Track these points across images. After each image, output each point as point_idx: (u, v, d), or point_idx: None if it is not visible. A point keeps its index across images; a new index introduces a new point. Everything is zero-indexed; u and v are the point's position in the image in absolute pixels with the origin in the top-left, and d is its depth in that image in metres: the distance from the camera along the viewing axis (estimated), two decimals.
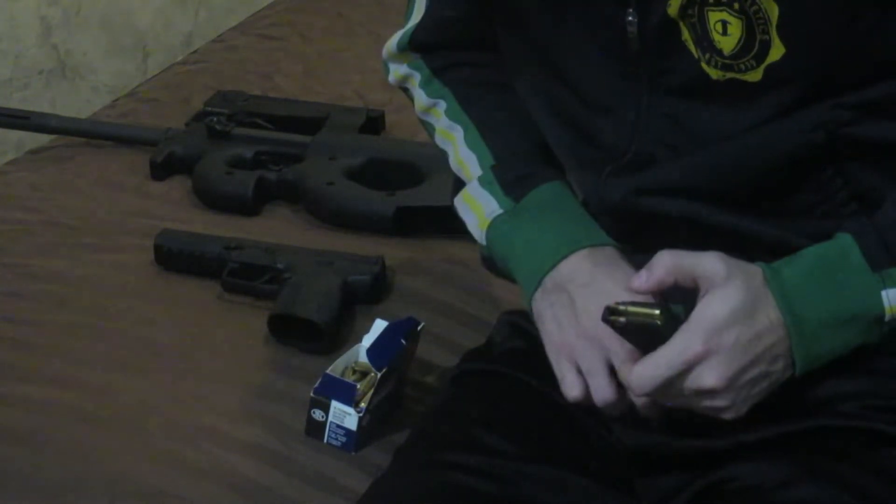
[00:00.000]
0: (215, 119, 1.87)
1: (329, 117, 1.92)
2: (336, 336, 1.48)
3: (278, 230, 1.70)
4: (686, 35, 1.00)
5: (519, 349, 1.18)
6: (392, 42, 1.25)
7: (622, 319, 0.98)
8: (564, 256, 1.07)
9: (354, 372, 1.34)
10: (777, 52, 0.96)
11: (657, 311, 0.97)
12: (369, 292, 1.55)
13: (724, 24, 0.97)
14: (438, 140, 1.24)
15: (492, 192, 1.15)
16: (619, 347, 1.01)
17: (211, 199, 1.78)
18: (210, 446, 1.33)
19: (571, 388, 1.05)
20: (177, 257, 1.62)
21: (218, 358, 1.47)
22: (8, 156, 2.19)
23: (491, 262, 1.18)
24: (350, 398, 1.30)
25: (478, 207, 1.15)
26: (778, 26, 0.95)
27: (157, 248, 1.63)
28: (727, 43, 0.98)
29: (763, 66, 0.97)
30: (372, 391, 1.31)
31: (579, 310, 1.05)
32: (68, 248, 1.69)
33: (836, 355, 0.99)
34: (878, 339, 0.99)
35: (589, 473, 1.06)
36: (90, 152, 1.94)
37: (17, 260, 1.67)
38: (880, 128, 1.00)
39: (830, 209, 1.02)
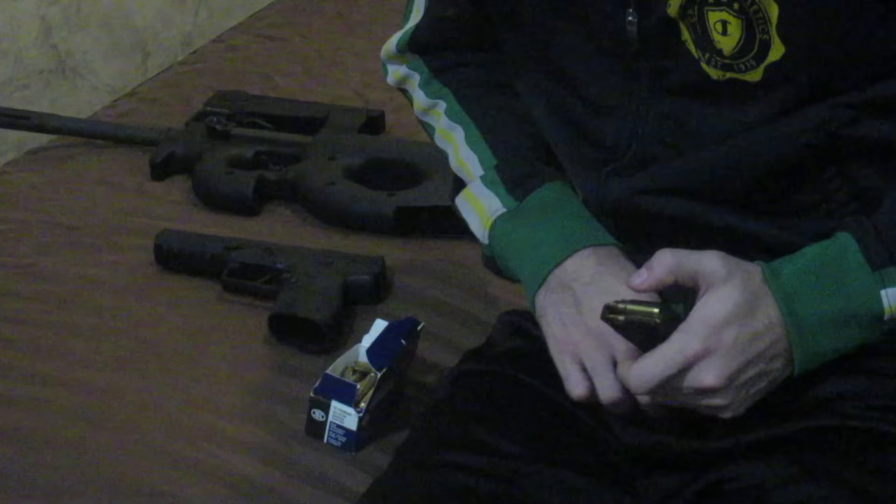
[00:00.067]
0: (215, 119, 1.87)
1: (329, 117, 1.92)
2: (336, 336, 1.48)
3: (278, 230, 1.70)
4: (686, 35, 1.00)
5: (519, 349, 1.18)
6: (391, 43, 1.25)
7: (621, 318, 0.98)
8: (568, 255, 1.07)
9: (354, 372, 1.34)
10: (777, 51, 0.96)
11: (656, 310, 0.97)
12: (369, 292, 1.55)
13: (724, 23, 0.97)
14: (438, 140, 1.24)
15: (495, 192, 1.15)
16: (623, 346, 1.01)
17: (211, 199, 1.78)
18: (210, 446, 1.33)
19: (576, 387, 1.05)
20: (177, 257, 1.62)
21: (218, 358, 1.47)
22: (8, 156, 2.19)
23: (492, 263, 1.18)
24: (350, 398, 1.30)
25: (480, 206, 1.15)
26: (778, 26, 0.95)
27: (157, 248, 1.63)
28: (727, 43, 0.98)
29: (763, 66, 0.97)
30: (372, 391, 1.31)
31: (584, 308, 1.05)
32: (68, 248, 1.69)
33: (835, 354, 0.99)
34: (877, 338, 0.99)
35: (589, 473, 1.06)
36: (90, 152, 1.94)
37: (17, 260, 1.67)
38: (880, 128, 1.00)
39: (830, 209, 1.02)
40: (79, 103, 2.41)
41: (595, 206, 1.12)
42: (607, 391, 1.03)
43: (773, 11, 0.95)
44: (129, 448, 1.33)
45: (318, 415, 1.32)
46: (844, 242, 0.98)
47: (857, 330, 0.98)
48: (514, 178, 1.14)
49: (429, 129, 1.26)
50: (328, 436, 1.32)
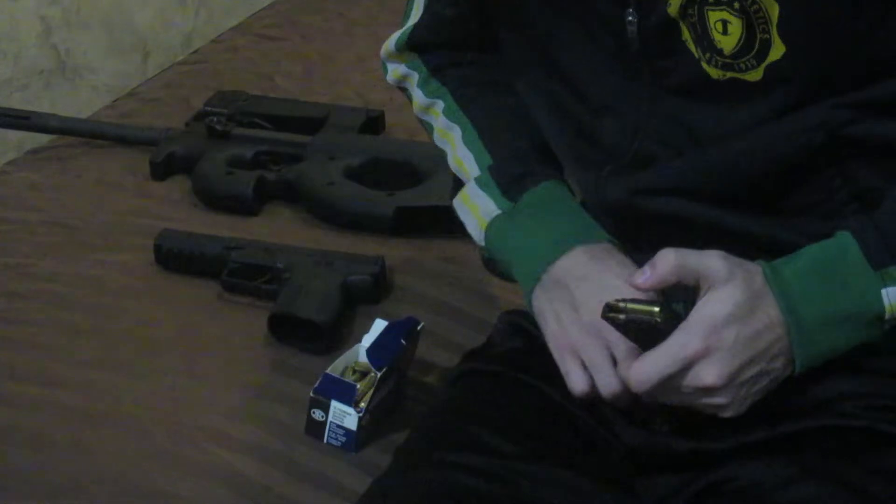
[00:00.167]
0: (215, 119, 1.87)
1: (329, 117, 1.92)
2: (336, 336, 1.48)
3: (278, 230, 1.70)
4: (686, 35, 1.00)
5: (519, 349, 1.18)
6: (390, 42, 1.25)
7: (622, 316, 0.98)
8: (562, 253, 1.07)
9: (354, 372, 1.34)
10: (777, 51, 0.96)
11: (657, 309, 0.97)
12: (369, 292, 1.55)
13: (725, 23, 0.97)
14: (437, 139, 1.24)
15: (489, 194, 1.15)
16: (620, 340, 1.01)
17: (211, 199, 1.78)
18: (210, 446, 1.33)
19: (577, 384, 1.05)
20: (177, 257, 1.62)
21: (218, 358, 1.47)
22: (8, 156, 2.19)
23: (492, 264, 1.18)
24: (350, 398, 1.30)
25: (476, 209, 1.15)
26: (778, 25, 0.95)
27: (157, 248, 1.63)
28: (727, 42, 0.98)
29: (763, 66, 0.97)
30: (372, 391, 1.32)
31: (579, 304, 1.05)
32: (68, 248, 1.69)
33: (836, 354, 0.99)
34: (878, 337, 0.99)
35: (589, 473, 1.06)
36: (90, 152, 1.94)
37: (17, 260, 1.67)
38: (881, 127, 1.00)
39: (830, 209, 1.02)
40: (79, 103, 2.41)
41: (595, 206, 1.12)
42: (607, 386, 1.03)
43: (774, 11, 0.95)
44: (129, 448, 1.33)
45: (318, 415, 1.32)
46: (845, 242, 0.98)
47: (858, 329, 0.98)
48: (507, 178, 1.14)
49: (428, 128, 1.26)
50: (328, 436, 1.32)
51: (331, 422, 1.31)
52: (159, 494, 1.27)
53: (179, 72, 2.24)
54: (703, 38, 0.99)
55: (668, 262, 0.98)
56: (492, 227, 1.13)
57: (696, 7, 0.98)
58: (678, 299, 1.01)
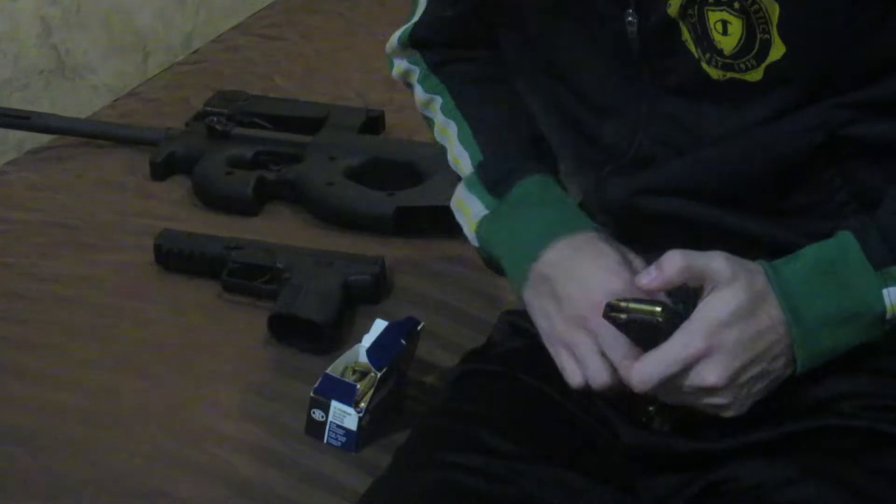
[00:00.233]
0: (215, 119, 1.87)
1: (329, 117, 1.92)
2: (336, 336, 1.48)
3: (278, 230, 1.70)
4: (686, 35, 1.00)
5: (519, 349, 1.18)
6: (394, 37, 1.26)
7: (623, 316, 0.98)
8: (544, 248, 1.07)
9: (354, 372, 1.34)
10: (777, 51, 0.96)
11: (658, 308, 0.97)
12: (369, 292, 1.55)
13: (725, 23, 0.97)
14: (437, 135, 1.24)
15: (477, 194, 1.16)
16: (604, 330, 1.01)
17: (211, 199, 1.78)
18: (210, 446, 1.33)
19: (572, 377, 1.04)
20: (177, 257, 1.62)
21: (218, 358, 1.47)
22: (8, 156, 2.19)
23: (492, 263, 1.18)
24: (350, 398, 1.30)
25: (467, 211, 1.16)
26: (778, 25, 0.95)
27: (157, 248, 1.63)
28: (727, 42, 0.98)
29: (763, 66, 0.97)
30: (372, 391, 1.32)
31: (561, 297, 1.04)
32: (68, 248, 1.69)
33: (837, 354, 0.99)
34: (879, 337, 0.99)
35: (589, 473, 1.06)
36: (90, 152, 1.94)
37: (17, 260, 1.67)
38: (881, 127, 1.00)
39: (830, 209, 1.02)
40: (79, 103, 2.41)
41: (595, 206, 1.12)
42: (596, 377, 1.02)
43: (774, 11, 0.95)
44: (129, 448, 1.33)
45: (318, 415, 1.32)
46: (846, 241, 0.98)
47: (859, 329, 0.98)
48: (493, 176, 1.15)
49: (429, 123, 1.26)
50: (328, 436, 1.32)
51: (331, 422, 1.31)
52: (159, 494, 1.27)
53: (179, 72, 2.24)
54: (703, 39, 0.99)
55: (675, 264, 0.97)
56: (481, 228, 1.14)
57: (696, 7, 0.98)
58: (678, 299, 1.01)
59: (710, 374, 0.95)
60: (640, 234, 1.09)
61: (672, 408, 1.05)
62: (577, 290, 1.02)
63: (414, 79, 1.26)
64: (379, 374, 1.32)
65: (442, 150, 1.24)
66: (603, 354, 1.02)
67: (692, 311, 0.97)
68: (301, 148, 1.82)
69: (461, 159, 1.19)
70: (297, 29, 2.37)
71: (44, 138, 2.02)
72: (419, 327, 1.38)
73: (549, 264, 1.06)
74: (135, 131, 1.95)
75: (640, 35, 1.02)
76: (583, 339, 1.03)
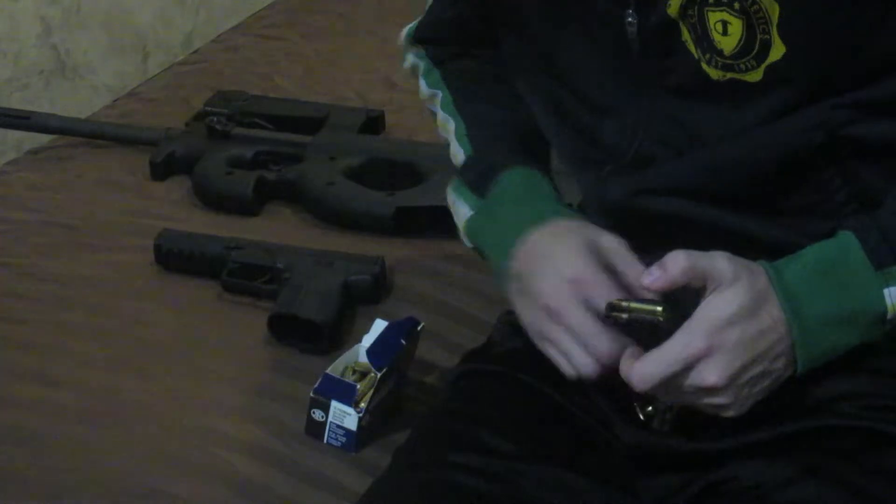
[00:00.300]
0: (215, 119, 1.87)
1: (329, 117, 1.92)
2: (336, 336, 1.48)
3: (278, 230, 1.70)
4: (686, 35, 1.00)
5: (519, 349, 1.18)
6: (404, 32, 1.28)
7: (624, 316, 0.98)
8: (517, 245, 1.07)
9: (354, 372, 1.34)
10: (777, 51, 0.96)
11: (659, 308, 0.97)
12: (369, 292, 1.55)
13: (725, 24, 0.97)
14: (440, 130, 1.25)
15: (463, 196, 1.17)
16: (576, 321, 1.01)
17: (211, 199, 1.78)
18: (210, 446, 1.33)
19: (566, 370, 1.04)
20: (177, 257, 1.62)
21: (218, 358, 1.47)
22: (8, 156, 2.19)
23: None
24: (350, 398, 1.30)
25: (457, 213, 1.18)
26: (779, 26, 0.95)
27: (157, 248, 1.63)
28: (727, 43, 0.98)
29: (763, 66, 0.97)
30: (372, 391, 1.32)
31: (531, 294, 1.04)
32: (68, 248, 1.69)
33: (837, 353, 0.99)
34: (880, 336, 0.99)
35: (589, 473, 1.06)
36: (90, 152, 1.94)
37: (17, 260, 1.67)
38: (880, 127, 1.00)
39: (830, 209, 1.02)
40: (79, 103, 2.41)
41: (595, 206, 1.12)
42: (584, 368, 1.02)
43: (775, 11, 0.95)
44: (129, 448, 1.33)
45: (318, 415, 1.32)
46: (847, 241, 0.98)
47: (859, 329, 0.98)
48: (476, 176, 1.16)
49: (433, 118, 1.27)
50: (328, 436, 1.32)
51: (331, 422, 1.31)
52: (159, 494, 1.27)
53: (179, 72, 2.24)
54: (703, 39, 0.99)
55: (678, 265, 0.97)
56: (468, 230, 1.15)
57: (696, 7, 0.98)
58: (678, 299, 1.01)
59: (710, 373, 0.95)
60: (639, 234, 1.09)
61: (671, 408, 1.05)
62: (543, 284, 1.02)
63: (419, 73, 1.28)
64: (379, 374, 1.32)
65: (444, 147, 1.24)
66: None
67: (693, 311, 0.97)
68: (301, 148, 1.82)
69: (458, 155, 1.21)
70: (297, 29, 2.37)
71: (44, 138, 2.02)
72: (419, 327, 1.38)
73: (520, 261, 1.07)
74: (135, 131, 1.95)
75: (639, 35, 1.02)
76: (558, 332, 1.03)
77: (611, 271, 1.02)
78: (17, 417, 1.38)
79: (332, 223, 1.71)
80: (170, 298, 1.58)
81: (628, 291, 1.01)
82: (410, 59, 1.29)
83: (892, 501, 1.00)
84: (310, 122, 1.90)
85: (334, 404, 1.31)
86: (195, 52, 2.36)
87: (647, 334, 0.98)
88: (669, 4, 0.99)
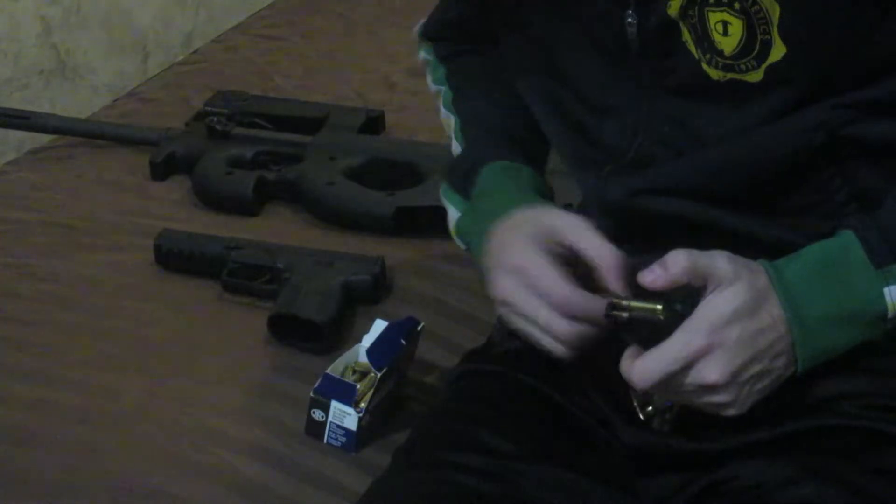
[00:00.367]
0: (215, 119, 1.87)
1: (329, 117, 1.92)
2: (336, 336, 1.48)
3: (278, 230, 1.70)
4: (686, 35, 1.00)
5: (519, 349, 1.18)
6: (415, 28, 1.30)
7: (625, 314, 0.98)
8: (486, 240, 1.08)
9: (354, 372, 1.34)
10: (778, 52, 0.96)
11: (659, 307, 0.97)
12: (369, 292, 1.55)
13: (725, 24, 0.97)
14: (444, 127, 1.27)
15: (450, 199, 1.19)
16: (527, 309, 1.02)
17: (211, 199, 1.78)
18: (210, 446, 1.33)
19: (557, 351, 1.04)
20: (177, 257, 1.62)
21: (218, 358, 1.47)
22: (8, 156, 2.19)
23: None
24: (350, 398, 1.30)
25: (449, 216, 1.20)
26: (779, 26, 0.95)
27: (157, 248, 1.63)
28: (728, 43, 0.98)
29: (764, 67, 0.97)
30: (372, 391, 1.32)
31: (490, 286, 1.05)
32: (68, 248, 1.69)
33: (838, 352, 0.99)
34: (880, 335, 0.99)
35: (589, 473, 1.06)
36: (90, 152, 1.94)
37: (17, 260, 1.67)
38: (881, 127, 1.00)
39: (830, 209, 1.02)
40: (79, 103, 2.41)
41: (595, 206, 1.12)
42: (566, 336, 1.02)
43: (775, 11, 0.95)
44: (129, 448, 1.33)
45: (318, 415, 1.32)
46: (847, 240, 0.98)
47: (860, 327, 0.98)
48: (461, 175, 1.17)
49: (438, 114, 1.28)
50: (328, 436, 1.32)
51: (331, 422, 1.31)
52: (159, 494, 1.27)
53: (179, 72, 2.24)
54: (704, 39, 0.99)
55: (679, 263, 0.97)
56: (458, 232, 1.17)
57: (696, 8, 0.98)
58: (677, 297, 1.01)
59: (710, 371, 0.95)
60: (640, 235, 1.09)
61: (672, 408, 1.05)
62: (497, 277, 1.04)
63: (428, 68, 1.29)
64: (379, 374, 1.32)
65: (445, 147, 1.26)
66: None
67: (693, 311, 0.97)
68: (301, 148, 1.82)
69: (456, 153, 1.22)
70: (297, 29, 2.37)
71: (44, 138, 2.02)
72: (419, 327, 1.38)
73: (486, 255, 1.07)
74: (135, 131, 1.95)
75: (639, 35, 1.02)
76: (523, 324, 1.03)
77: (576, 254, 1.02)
78: (17, 417, 1.38)
79: (332, 223, 1.71)
80: (170, 298, 1.58)
81: (588, 271, 1.01)
82: (422, 54, 1.30)
83: (893, 501, 1.00)
84: (310, 122, 1.90)
85: (334, 404, 1.31)
86: (195, 52, 2.37)
87: (647, 333, 0.98)
88: (670, 5, 0.99)
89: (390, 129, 1.96)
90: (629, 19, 1.01)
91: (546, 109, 1.14)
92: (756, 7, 0.95)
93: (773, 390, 0.99)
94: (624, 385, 1.06)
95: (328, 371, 1.33)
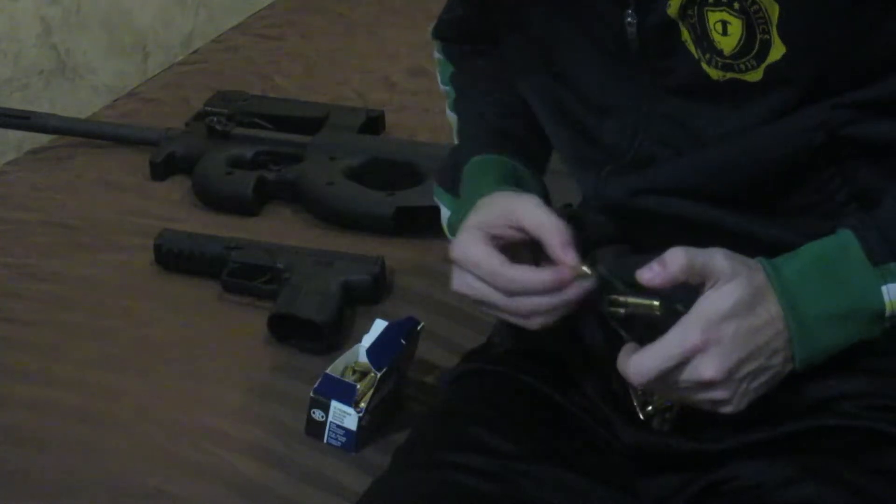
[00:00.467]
0: (215, 119, 1.87)
1: (329, 117, 1.92)
2: (336, 336, 1.48)
3: (278, 230, 1.70)
4: (686, 35, 1.00)
5: (519, 349, 1.18)
6: (430, 26, 1.30)
7: (622, 311, 0.98)
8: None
9: (354, 372, 1.34)
10: (777, 51, 0.96)
11: (657, 303, 0.97)
12: (369, 292, 1.55)
13: (724, 24, 0.97)
14: (451, 126, 1.27)
15: (441, 199, 1.20)
16: (478, 295, 1.04)
17: (211, 199, 1.78)
18: (210, 446, 1.33)
19: (531, 324, 1.04)
20: (177, 257, 1.62)
21: (218, 358, 1.47)
22: (8, 156, 2.19)
23: None
24: (350, 398, 1.30)
25: (442, 215, 1.20)
26: (778, 26, 0.95)
27: (157, 248, 1.63)
28: (727, 43, 0.98)
29: (763, 66, 0.97)
30: (372, 391, 1.32)
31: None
32: (68, 248, 1.69)
33: (836, 351, 0.99)
34: (878, 334, 0.98)
35: (589, 473, 1.06)
36: (90, 152, 1.94)
37: (17, 260, 1.67)
38: (881, 127, 1.00)
39: (830, 209, 1.02)
40: (79, 103, 2.41)
41: (595, 206, 1.12)
42: (519, 323, 1.04)
43: (774, 11, 0.95)
44: (129, 448, 1.33)
45: (318, 415, 1.32)
46: (845, 238, 0.98)
47: (858, 326, 0.98)
48: (448, 174, 1.18)
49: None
50: (328, 436, 1.32)
51: (331, 422, 1.31)
52: (159, 494, 1.27)
53: (179, 72, 2.24)
54: (703, 39, 0.99)
55: (678, 261, 0.97)
56: (450, 231, 1.17)
57: (695, 8, 0.98)
58: (676, 295, 1.01)
59: (706, 368, 0.95)
60: (639, 234, 1.09)
61: (671, 408, 1.05)
62: (452, 274, 1.06)
63: (438, 68, 1.30)
64: (379, 374, 1.32)
65: (447, 147, 1.26)
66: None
67: (690, 307, 0.97)
68: (301, 148, 1.82)
69: None
70: (297, 29, 2.37)
71: (44, 138, 2.02)
72: (419, 327, 1.38)
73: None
74: (135, 131, 1.95)
75: (639, 35, 1.02)
76: (486, 309, 1.05)
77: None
78: (17, 417, 1.38)
79: (332, 223, 1.72)
80: (170, 298, 1.58)
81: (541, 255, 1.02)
82: (435, 54, 1.31)
83: (893, 501, 1.00)
84: (310, 122, 1.91)
85: (334, 404, 1.31)
86: (195, 52, 2.37)
87: (645, 329, 0.98)
88: (669, 4, 0.99)
89: (390, 129, 1.96)
90: (629, 19, 1.01)
91: (546, 109, 1.14)
92: (755, 7, 0.95)
93: (770, 388, 0.99)
94: (624, 385, 1.06)
95: (328, 371, 1.33)
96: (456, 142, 1.24)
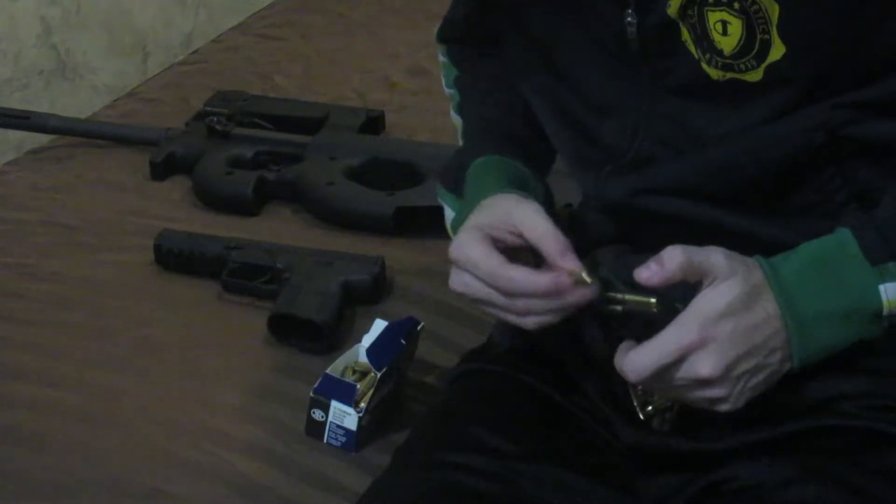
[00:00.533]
0: (215, 119, 1.87)
1: (329, 117, 1.92)
2: (336, 336, 1.48)
3: (278, 230, 1.70)
4: (686, 35, 1.00)
5: (519, 349, 1.18)
6: (433, 29, 1.30)
7: (619, 308, 0.98)
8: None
9: (354, 372, 1.34)
10: (777, 51, 0.96)
11: (653, 300, 0.97)
12: (369, 292, 1.55)
13: (724, 23, 0.97)
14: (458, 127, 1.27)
15: (444, 199, 1.20)
16: (478, 294, 1.04)
17: (211, 199, 1.78)
18: (210, 446, 1.33)
19: (527, 324, 1.04)
20: (177, 257, 1.62)
21: (218, 358, 1.47)
22: (8, 156, 2.19)
23: None
24: (350, 398, 1.30)
25: (446, 216, 1.20)
26: (778, 25, 0.95)
27: (157, 248, 1.63)
28: (727, 43, 0.98)
29: (763, 66, 0.97)
30: (372, 391, 1.32)
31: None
32: (68, 248, 1.69)
33: (834, 350, 0.99)
34: (876, 333, 0.98)
35: (589, 473, 1.06)
36: (90, 152, 1.94)
37: (17, 260, 1.67)
38: (881, 127, 1.00)
39: (830, 209, 1.02)
40: (79, 103, 2.41)
41: (595, 206, 1.12)
42: (517, 323, 1.04)
43: (774, 11, 0.95)
44: (129, 448, 1.33)
45: (318, 415, 1.32)
46: (844, 238, 0.98)
47: (856, 325, 0.97)
48: (451, 175, 1.18)
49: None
50: (328, 436, 1.32)
51: (331, 422, 1.31)
52: (159, 494, 1.27)
53: (179, 72, 2.24)
54: (703, 39, 0.99)
55: (675, 260, 0.97)
56: (453, 232, 1.16)
57: (695, 7, 0.98)
58: (674, 293, 1.01)
59: (703, 365, 0.95)
60: (639, 234, 1.09)
61: (671, 407, 1.05)
62: (451, 273, 1.06)
63: (443, 71, 1.30)
64: (379, 374, 1.32)
65: (446, 147, 1.26)
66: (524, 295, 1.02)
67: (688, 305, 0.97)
68: (301, 148, 1.82)
69: None
70: (297, 29, 2.37)
71: (44, 138, 2.02)
72: (419, 327, 1.38)
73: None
74: (135, 131, 1.95)
75: (639, 35, 1.02)
76: (490, 307, 1.05)
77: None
78: (17, 417, 1.38)
79: (332, 223, 1.72)
80: (170, 298, 1.58)
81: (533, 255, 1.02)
82: (440, 57, 1.31)
83: (892, 501, 1.00)
84: (310, 122, 1.91)
85: (334, 404, 1.31)
86: (195, 52, 2.37)
87: (642, 327, 0.98)
88: (669, 4, 0.99)
89: (390, 129, 1.96)
90: (629, 19, 1.01)
91: (546, 109, 1.14)
92: (755, 6, 0.95)
93: (768, 387, 0.99)
94: (624, 385, 1.06)
95: (328, 371, 1.33)
96: (461, 144, 1.24)
